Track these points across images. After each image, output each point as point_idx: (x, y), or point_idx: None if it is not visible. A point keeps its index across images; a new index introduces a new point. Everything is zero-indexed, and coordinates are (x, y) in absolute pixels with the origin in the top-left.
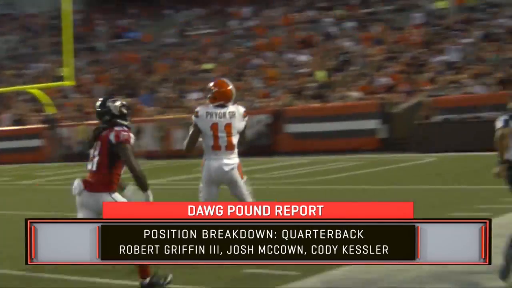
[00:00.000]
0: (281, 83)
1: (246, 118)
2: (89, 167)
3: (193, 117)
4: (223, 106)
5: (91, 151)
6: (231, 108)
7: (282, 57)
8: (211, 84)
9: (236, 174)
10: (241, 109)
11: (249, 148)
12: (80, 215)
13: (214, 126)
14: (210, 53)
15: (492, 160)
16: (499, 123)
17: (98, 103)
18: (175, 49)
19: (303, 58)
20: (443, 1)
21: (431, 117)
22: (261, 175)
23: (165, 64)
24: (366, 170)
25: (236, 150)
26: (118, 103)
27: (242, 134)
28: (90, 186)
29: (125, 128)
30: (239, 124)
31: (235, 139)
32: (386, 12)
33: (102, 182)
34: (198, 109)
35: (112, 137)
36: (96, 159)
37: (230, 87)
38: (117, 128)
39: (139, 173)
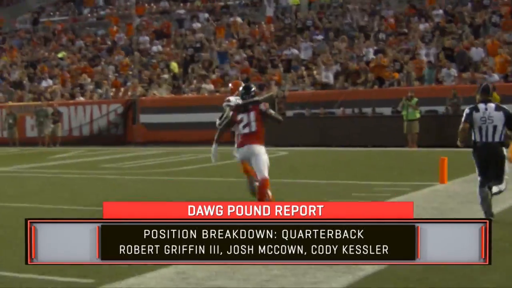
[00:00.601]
0: (134, 73)
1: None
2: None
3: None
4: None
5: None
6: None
7: (135, 47)
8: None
9: None
10: None
11: (102, 137)
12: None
13: None
14: (62, 40)
15: (343, 154)
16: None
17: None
18: (27, 35)
19: (156, 48)
20: None
21: (283, 111)
22: (113, 164)
23: (16, 49)
24: (218, 163)
25: None
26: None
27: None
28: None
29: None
30: None
31: None
32: (239, 6)
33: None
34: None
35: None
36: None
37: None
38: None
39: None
